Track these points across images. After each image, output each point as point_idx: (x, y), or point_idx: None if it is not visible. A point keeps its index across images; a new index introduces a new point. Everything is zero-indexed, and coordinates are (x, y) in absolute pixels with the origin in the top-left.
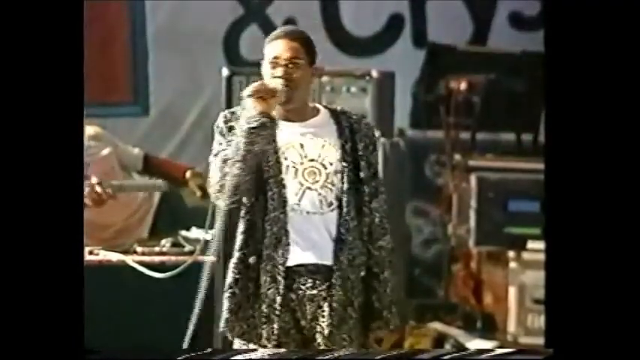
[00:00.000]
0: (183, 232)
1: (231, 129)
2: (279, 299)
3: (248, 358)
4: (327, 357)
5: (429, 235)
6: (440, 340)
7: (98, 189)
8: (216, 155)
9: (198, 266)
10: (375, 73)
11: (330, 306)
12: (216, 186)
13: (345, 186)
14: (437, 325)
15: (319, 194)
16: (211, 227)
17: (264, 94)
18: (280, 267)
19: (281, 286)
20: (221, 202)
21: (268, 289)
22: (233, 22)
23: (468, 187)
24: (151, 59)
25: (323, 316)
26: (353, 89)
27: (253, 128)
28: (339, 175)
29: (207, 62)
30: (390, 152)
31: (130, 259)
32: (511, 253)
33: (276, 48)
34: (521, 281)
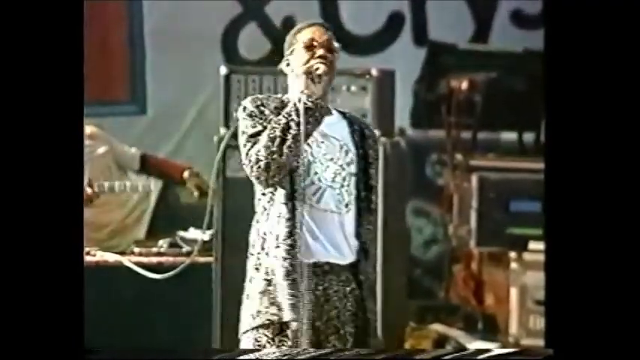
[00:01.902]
0: (181, 233)
1: (262, 112)
2: (288, 294)
3: (253, 358)
4: (326, 357)
5: (429, 235)
6: (441, 341)
7: (87, 190)
8: (252, 136)
9: (196, 267)
10: (375, 72)
11: (345, 306)
12: (261, 164)
13: (362, 188)
14: (438, 327)
15: (338, 194)
16: (209, 227)
17: (315, 77)
18: (295, 261)
19: (298, 279)
20: (262, 181)
21: (289, 278)
22: (231, 21)
23: (469, 187)
24: (149, 58)
25: (338, 317)
26: (353, 88)
27: (309, 109)
28: (354, 178)
29: (205, 61)
30: (391, 152)
31: (126, 260)
32: (512, 254)
33: (311, 33)
34: (523, 282)
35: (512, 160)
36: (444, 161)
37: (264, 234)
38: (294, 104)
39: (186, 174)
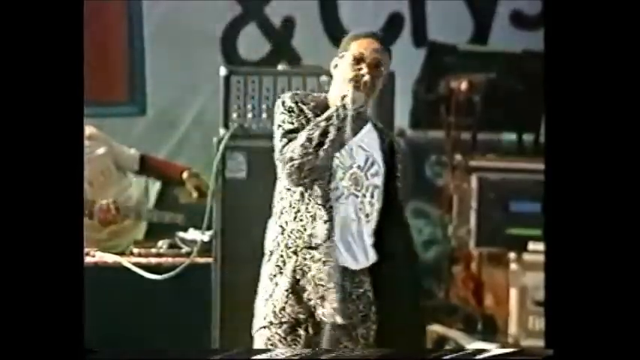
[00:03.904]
0: (181, 234)
1: (301, 110)
2: (334, 298)
3: (256, 358)
4: (327, 357)
5: (429, 236)
6: (440, 342)
7: (112, 208)
8: (288, 132)
9: (195, 268)
10: None
11: (358, 307)
12: (295, 163)
13: (377, 200)
14: (437, 328)
15: (360, 203)
16: (208, 228)
17: (362, 86)
18: (334, 264)
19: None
20: (294, 180)
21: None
22: (231, 21)
23: (469, 188)
24: (148, 58)
25: (350, 318)
26: None
27: (352, 116)
28: (377, 190)
29: (204, 61)
30: None
31: (125, 261)
32: (512, 255)
33: (365, 45)
34: (523, 283)
35: (511, 161)
36: (443, 162)
37: (292, 232)
38: (337, 109)
39: (185, 175)
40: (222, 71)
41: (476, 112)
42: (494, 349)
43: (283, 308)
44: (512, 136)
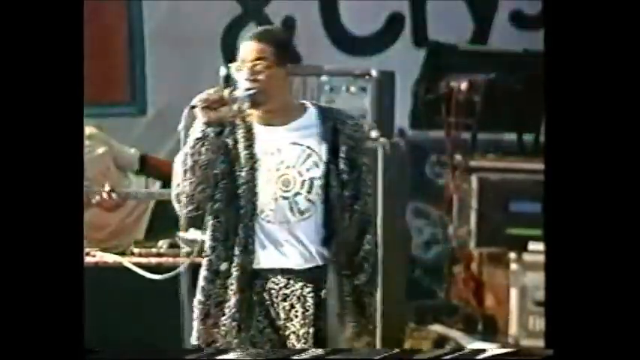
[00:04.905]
0: (181, 233)
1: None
2: (241, 304)
3: (229, 358)
4: (328, 356)
5: (429, 236)
6: (440, 342)
7: (113, 196)
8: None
9: (196, 268)
10: (374, 73)
11: (303, 306)
12: (174, 194)
13: (321, 191)
14: (437, 328)
15: (291, 203)
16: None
17: (209, 104)
18: (246, 274)
19: (246, 293)
20: (179, 212)
21: (235, 294)
22: (231, 22)
23: (469, 188)
24: (149, 58)
25: (296, 316)
26: (353, 89)
27: (197, 139)
28: (317, 182)
29: (205, 62)
30: (391, 153)
31: (126, 261)
32: (512, 255)
33: (242, 51)
34: (523, 283)
35: (511, 161)
36: (443, 162)
37: (210, 244)
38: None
39: None
40: (223, 71)
41: (476, 112)
42: (494, 349)
43: None
44: (512, 136)
